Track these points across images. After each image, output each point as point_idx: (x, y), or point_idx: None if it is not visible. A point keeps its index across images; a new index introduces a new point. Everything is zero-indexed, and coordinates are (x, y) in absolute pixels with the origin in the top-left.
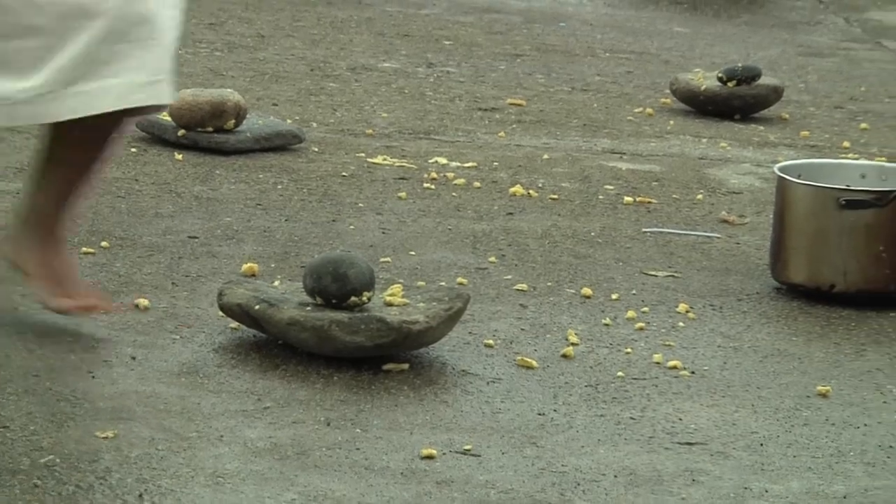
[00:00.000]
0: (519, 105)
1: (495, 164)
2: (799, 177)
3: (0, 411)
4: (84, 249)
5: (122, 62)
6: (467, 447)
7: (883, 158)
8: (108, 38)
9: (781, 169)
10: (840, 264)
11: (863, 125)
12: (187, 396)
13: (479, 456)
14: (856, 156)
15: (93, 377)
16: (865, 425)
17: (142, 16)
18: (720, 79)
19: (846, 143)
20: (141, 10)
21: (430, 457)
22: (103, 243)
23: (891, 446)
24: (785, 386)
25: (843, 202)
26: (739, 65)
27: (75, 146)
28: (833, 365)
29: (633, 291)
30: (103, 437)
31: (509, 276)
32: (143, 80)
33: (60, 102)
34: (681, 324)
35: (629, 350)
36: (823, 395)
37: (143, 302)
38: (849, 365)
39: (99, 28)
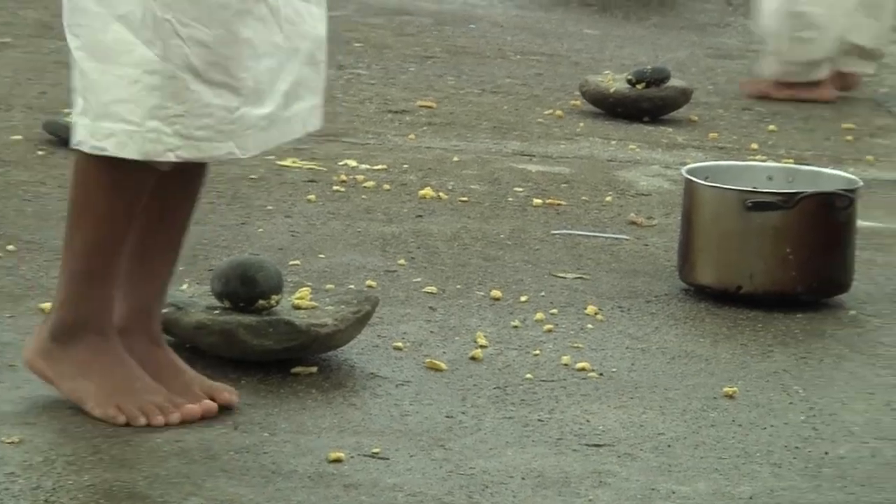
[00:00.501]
0: (429, 107)
1: (405, 166)
2: (706, 179)
3: None
4: None
5: (310, 85)
6: (375, 450)
7: (790, 160)
8: (309, 59)
9: (689, 171)
10: (747, 266)
11: (770, 127)
12: None
13: (388, 459)
14: (763, 158)
15: None
16: (772, 426)
17: (322, 37)
18: (629, 81)
19: (754, 145)
20: (323, 31)
21: (338, 460)
22: (9, 247)
23: (797, 447)
24: (692, 387)
25: (750, 204)
26: (648, 67)
27: (177, 205)
28: (740, 366)
29: (542, 293)
30: (9, 442)
31: (418, 279)
32: (318, 103)
33: (281, 127)
34: (589, 325)
35: (538, 352)
36: (730, 397)
37: (49, 306)
38: (755, 366)
39: (307, 48)
